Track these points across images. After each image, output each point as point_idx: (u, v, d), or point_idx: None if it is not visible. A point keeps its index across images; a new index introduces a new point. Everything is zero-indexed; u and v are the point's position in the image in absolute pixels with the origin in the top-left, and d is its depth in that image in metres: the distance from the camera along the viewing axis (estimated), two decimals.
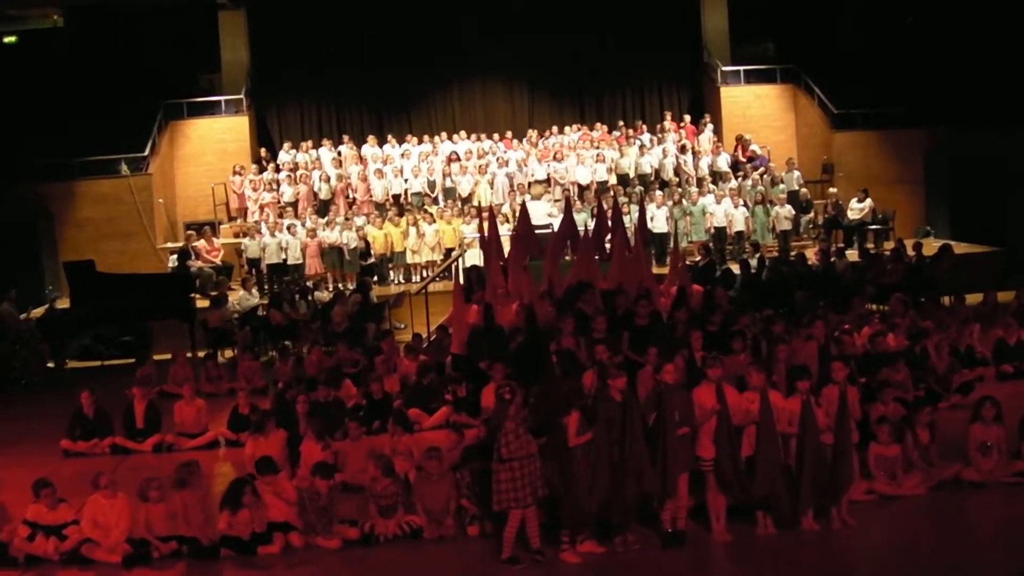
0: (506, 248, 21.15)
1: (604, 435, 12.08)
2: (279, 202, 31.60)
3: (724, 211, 29.90)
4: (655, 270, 22.58)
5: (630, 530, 12.53)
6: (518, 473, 11.86)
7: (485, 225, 21.00)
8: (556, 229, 22.39)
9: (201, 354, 23.33)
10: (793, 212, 30.57)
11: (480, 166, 32.40)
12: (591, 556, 12.26)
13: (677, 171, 32.81)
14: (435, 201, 31.66)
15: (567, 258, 20.70)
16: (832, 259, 26.25)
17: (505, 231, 24.09)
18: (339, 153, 33.82)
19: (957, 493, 13.85)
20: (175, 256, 29.57)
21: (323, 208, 31.48)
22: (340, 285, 28.70)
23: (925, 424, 14.16)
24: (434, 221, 29.88)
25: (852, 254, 27.86)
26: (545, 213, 27.68)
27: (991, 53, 32.10)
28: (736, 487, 12.53)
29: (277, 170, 33.00)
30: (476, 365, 17.73)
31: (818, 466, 12.55)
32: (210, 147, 34.43)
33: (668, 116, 35.72)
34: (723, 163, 33.05)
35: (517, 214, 24.91)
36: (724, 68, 36.91)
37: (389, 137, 34.96)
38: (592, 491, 12.07)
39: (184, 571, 12.68)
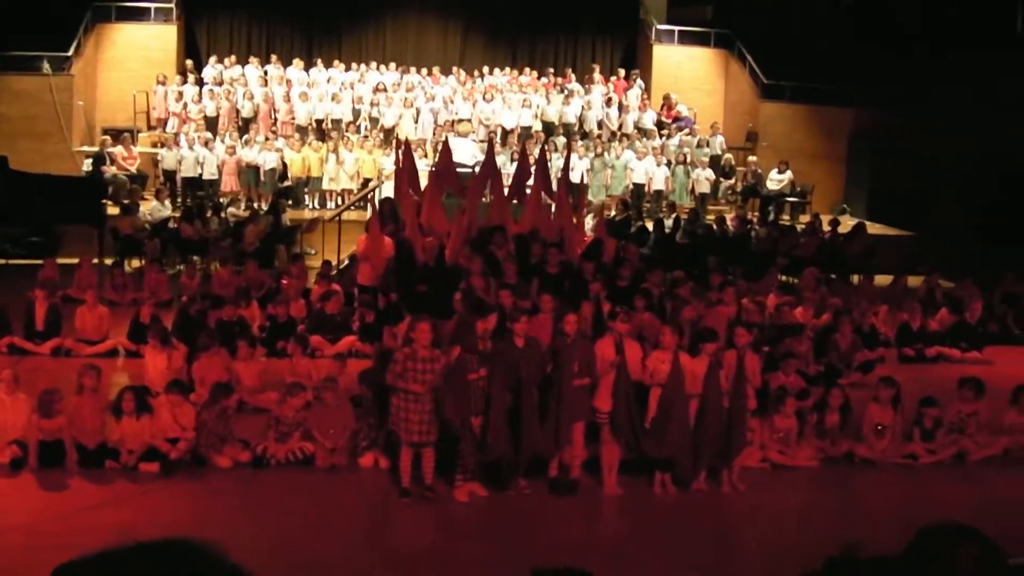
0: (424, 184, 21.05)
1: (499, 380, 12.13)
2: (202, 115, 31.22)
3: (645, 168, 29.95)
4: None
5: (522, 476, 12.61)
6: (402, 405, 11.94)
7: (401, 158, 20.89)
8: (477, 169, 22.33)
9: (108, 261, 23.09)
10: (713, 176, 30.72)
11: (406, 99, 32.20)
12: (477, 497, 12.34)
13: (600, 124, 32.84)
14: (357, 130, 31.43)
15: (485, 200, 20.66)
16: (749, 227, 26.46)
17: (423, 166, 23.97)
18: (265, 72, 33.49)
19: (848, 468, 14.10)
20: (90, 160, 29.12)
21: (244, 126, 31.15)
22: (255, 205, 28.44)
23: (836, 408, 14.35)
24: (354, 150, 29.64)
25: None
26: (469, 152, 27.55)
27: (923, 41, 32.27)
28: (631, 441, 12.62)
29: (201, 83, 32.61)
30: (381, 297, 17.77)
31: (717, 429, 12.67)
32: (135, 54, 33.83)
33: (597, 68, 35.64)
34: (649, 120, 33.13)
35: (438, 150, 24.87)
36: (659, 26, 36.89)
37: (317, 61, 34.64)
38: (485, 434, 12.13)
39: (68, 478, 12.58)
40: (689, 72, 36.58)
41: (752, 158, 32.44)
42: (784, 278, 23.50)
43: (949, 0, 31.83)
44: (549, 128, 32.18)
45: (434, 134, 31.00)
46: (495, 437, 12.14)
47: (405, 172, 20.39)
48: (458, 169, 21.83)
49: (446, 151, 21.40)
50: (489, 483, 12.55)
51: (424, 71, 34.58)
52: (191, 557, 2.42)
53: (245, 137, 29.76)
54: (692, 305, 16.00)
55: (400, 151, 21.48)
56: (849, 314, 19.00)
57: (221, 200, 27.55)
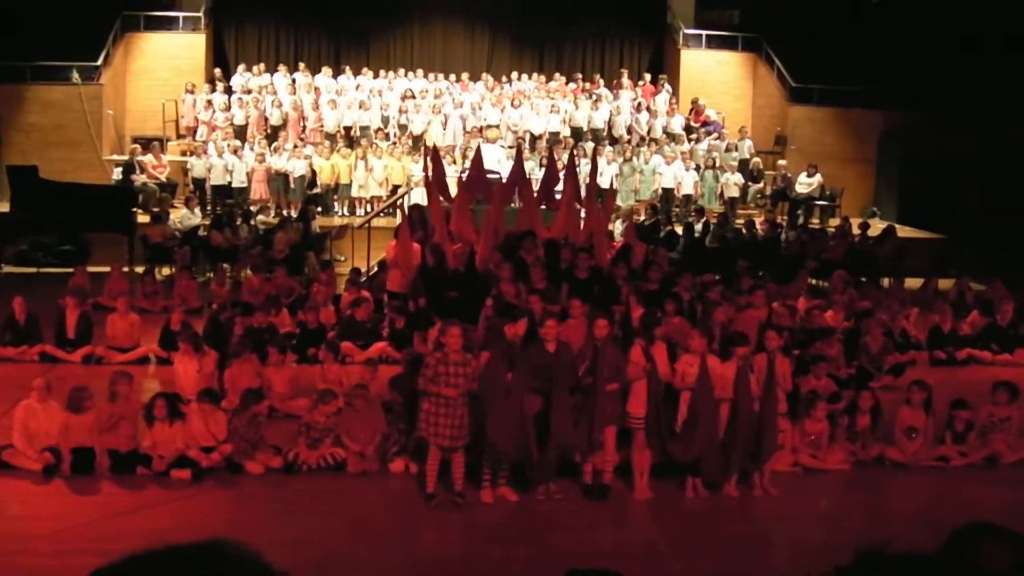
0: (452, 190, 21.04)
1: (522, 382, 12.14)
2: (230, 124, 31.31)
3: (674, 173, 29.91)
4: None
5: (553, 480, 12.61)
6: (433, 409, 11.93)
7: (429, 164, 20.86)
8: (504, 175, 22.28)
9: (139, 269, 23.20)
10: (742, 180, 30.68)
11: (435, 106, 32.22)
12: (506, 502, 12.37)
13: (630, 129, 32.81)
14: (386, 137, 31.46)
15: (512, 205, 20.64)
16: (779, 231, 26.41)
17: (452, 172, 24.00)
18: (293, 80, 33.55)
19: (880, 471, 14.04)
20: (120, 169, 29.26)
21: (273, 134, 31.23)
22: (284, 212, 28.49)
23: (867, 410, 14.30)
24: (383, 156, 29.67)
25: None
26: (496, 158, 27.55)
27: (952, 44, 32.16)
28: (660, 446, 12.61)
29: (229, 91, 32.72)
30: (411, 303, 17.76)
31: (748, 432, 12.64)
32: (164, 63, 33.98)
33: (625, 73, 35.63)
34: (677, 125, 33.08)
35: (467, 156, 24.85)
36: (687, 31, 36.84)
37: (345, 68, 34.70)
38: (510, 434, 12.14)
39: (100, 484, 12.62)
40: (717, 76, 36.53)
41: (782, 162, 32.37)
42: (814, 281, 23.43)
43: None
44: (577, 133, 32.16)
45: (463, 140, 31.00)
46: (511, 439, 12.16)
47: (434, 178, 20.36)
48: (488, 176, 21.81)
49: (477, 158, 21.35)
50: (518, 487, 12.56)
51: (452, 77, 34.64)
52: (227, 558, 2.41)
53: (274, 145, 29.83)
54: (722, 308, 15.98)
55: (428, 157, 21.50)
56: (871, 316, 19.01)
57: (251, 208, 27.60)
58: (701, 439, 12.50)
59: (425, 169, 20.95)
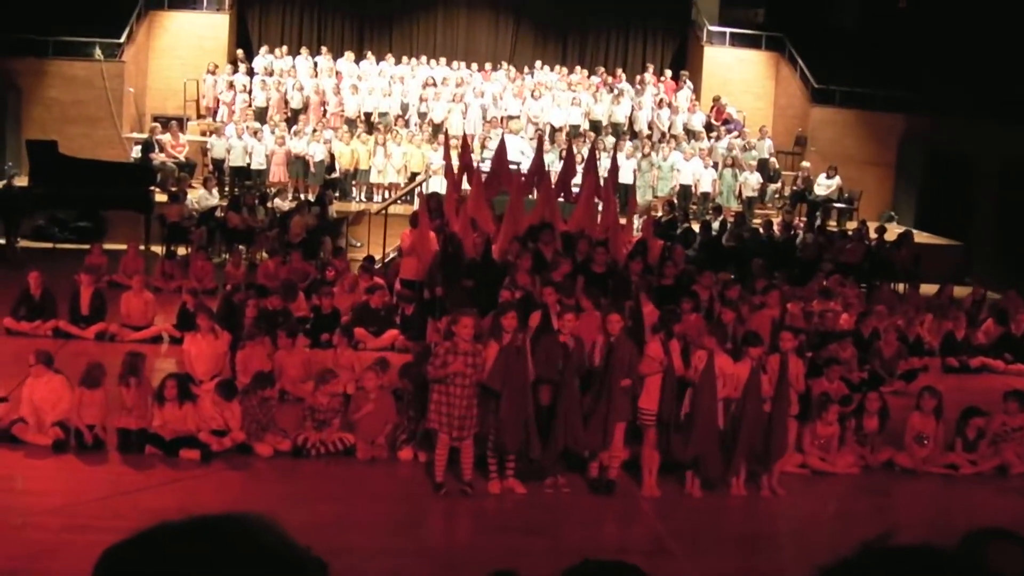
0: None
1: (521, 372, 12.14)
2: (250, 106, 31.29)
3: (692, 170, 29.85)
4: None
5: (561, 473, 12.61)
6: (444, 398, 11.91)
7: (452, 153, 20.80)
8: (525, 167, 22.23)
9: (156, 248, 23.25)
10: (761, 180, 30.59)
11: (456, 94, 32.17)
12: (514, 494, 12.37)
13: (650, 124, 32.75)
14: (406, 124, 31.42)
15: (531, 197, 20.59)
16: (794, 232, 26.37)
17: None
18: (315, 64, 33.51)
19: (888, 476, 14.02)
20: (139, 147, 29.26)
21: (294, 117, 31.21)
22: (302, 196, 28.46)
23: (874, 412, 14.26)
24: (402, 143, 29.63)
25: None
26: (519, 149, 27.49)
27: (979, 49, 32.04)
28: (668, 444, 12.58)
29: (251, 73, 32.69)
30: (427, 292, 17.73)
31: (756, 433, 12.59)
32: (187, 42, 33.93)
33: (650, 69, 35.53)
34: (698, 122, 33.00)
35: (485, 146, 24.75)
36: (711, 28, 36.72)
37: (367, 53, 34.67)
38: (519, 423, 12.13)
39: (108, 462, 12.64)
40: (739, 74, 36.38)
41: (806, 163, 32.24)
42: (826, 284, 23.39)
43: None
44: (597, 127, 32.09)
45: (483, 130, 30.97)
46: (519, 429, 12.16)
47: (461, 168, 20.33)
48: (510, 167, 21.77)
49: (501, 149, 21.30)
50: (524, 479, 12.56)
51: (474, 66, 34.59)
52: (254, 530, 2.34)
53: (294, 128, 29.80)
54: (727, 310, 15.92)
55: (449, 146, 21.46)
56: (893, 321, 18.99)
57: (268, 190, 27.61)
58: (699, 437, 12.47)
59: (446, 158, 20.93)
